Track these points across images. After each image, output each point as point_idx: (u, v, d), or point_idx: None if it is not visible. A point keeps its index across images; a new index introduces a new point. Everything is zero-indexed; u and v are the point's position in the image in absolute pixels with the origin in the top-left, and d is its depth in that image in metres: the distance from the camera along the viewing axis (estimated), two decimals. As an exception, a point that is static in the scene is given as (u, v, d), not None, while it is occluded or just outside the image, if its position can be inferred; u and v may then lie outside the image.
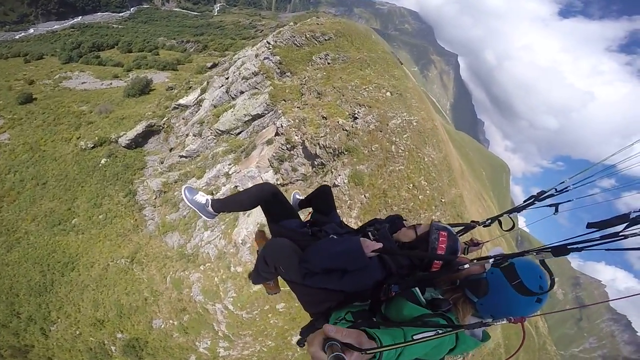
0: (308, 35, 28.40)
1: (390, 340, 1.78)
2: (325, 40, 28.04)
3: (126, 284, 21.91)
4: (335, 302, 2.94)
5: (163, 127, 33.56)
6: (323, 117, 20.82)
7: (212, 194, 21.94)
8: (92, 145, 30.11)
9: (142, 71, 48.64)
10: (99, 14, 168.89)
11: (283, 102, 24.27)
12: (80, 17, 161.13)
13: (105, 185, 27.24)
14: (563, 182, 2.95)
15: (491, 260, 2.30)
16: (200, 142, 27.40)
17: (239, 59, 35.93)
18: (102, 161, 29.02)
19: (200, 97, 32.89)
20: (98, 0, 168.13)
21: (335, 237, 3.22)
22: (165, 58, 56.75)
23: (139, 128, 31.67)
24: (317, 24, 30.66)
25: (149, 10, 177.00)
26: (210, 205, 3.87)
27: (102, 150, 29.79)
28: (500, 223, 3.36)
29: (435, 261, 2.71)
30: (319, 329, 1.80)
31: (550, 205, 3.01)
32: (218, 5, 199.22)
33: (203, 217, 3.99)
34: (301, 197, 4.64)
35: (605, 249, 1.83)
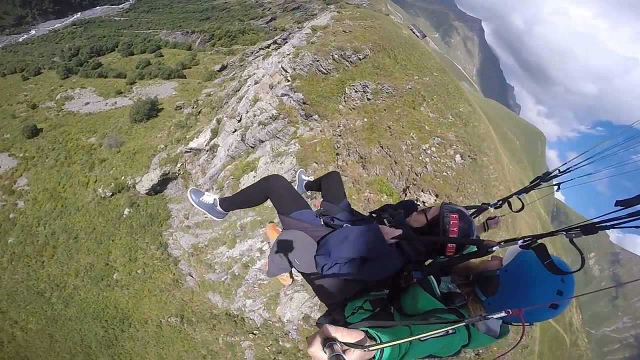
0: (336, 56, 23.17)
1: (392, 338, 1.73)
2: (360, 59, 22.87)
3: (183, 343, 22.99)
4: (352, 292, 2.91)
5: (179, 174, 31.11)
6: (368, 201, 16.64)
7: (248, 266, 20.44)
8: (111, 193, 30.27)
9: (146, 82, 45.00)
10: (98, 8, 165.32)
11: (315, 165, 19.85)
12: (79, 13, 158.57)
13: (135, 238, 27.59)
14: (565, 163, 3.08)
15: (520, 242, 2.22)
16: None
17: (249, 76, 32.17)
18: (125, 211, 29.13)
19: (212, 142, 29.11)
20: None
21: (350, 225, 3.28)
22: (170, 63, 52.68)
23: (154, 176, 29.82)
24: (345, 31, 25.60)
25: None
26: (218, 205, 3.87)
27: (122, 197, 29.98)
28: (509, 204, 3.32)
29: (449, 245, 2.73)
30: (335, 319, 2.52)
31: (554, 185, 3.18)
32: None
33: (213, 218, 3.93)
34: (308, 178, 4.85)
35: (635, 227, 1.80)
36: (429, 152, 17.18)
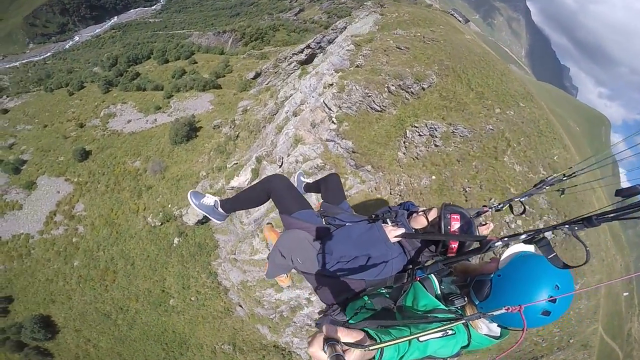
0: (393, 87, 18.92)
1: (391, 338, 1.75)
2: (423, 89, 18.62)
3: (236, 370, 23.80)
4: (354, 291, 2.91)
5: None
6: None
7: (295, 310, 19.71)
8: (160, 222, 31.71)
9: (182, 96, 45.83)
10: (132, 10, 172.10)
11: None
12: (116, 17, 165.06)
13: (186, 267, 28.85)
14: (571, 167, 3.19)
15: (523, 236, 2.17)
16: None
17: (286, 98, 30.71)
18: (175, 241, 30.32)
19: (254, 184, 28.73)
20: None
21: (352, 225, 3.27)
22: (204, 71, 53.30)
23: (199, 213, 29.80)
24: (399, 47, 21.68)
25: None
26: (219, 207, 3.91)
27: (171, 227, 31.29)
28: (511, 208, 3.26)
29: (451, 243, 2.75)
30: (336, 320, 2.57)
31: (557, 190, 3.16)
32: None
33: (214, 220, 3.98)
34: (307, 180, 5.04)
35: (637, 217, 1.78)
36: (513, 226, 13.62)
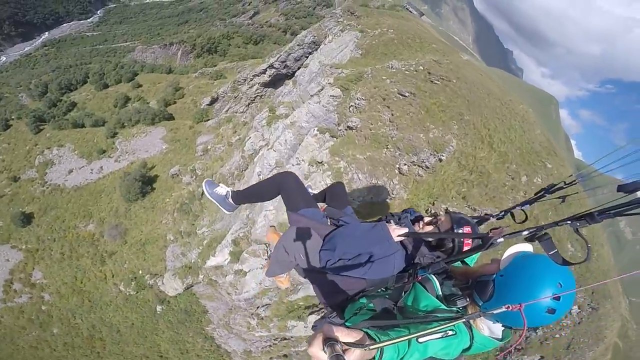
0: (405, 167, 13.87)
1: (391, 338, 1.72)
2: (440, 160, 13.72)
3: None
4: (355, 291, 2.87)
5: (205, 281, 25.72)
6: None
7: None
8: (135, 291, 28.00)
9: (128, 133, 37.83)
10: (65, 25, 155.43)
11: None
12: (47, 33, 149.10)
13: (178, 332, 25.92)
14: (571, 175, 2.89)
15: (525, 232, 2.15)
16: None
17: (254, 151, 25.71)
18: (158, 309, 26.99)
19: (236, 267, 23.31)
20: (56, 12, 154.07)
21: (356, 224, 3.31)
22: (150, 96, 45.22)
23: (177, 286, 26.46)
24: (401, 94, 16.26)
25: (118, 8, 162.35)
26: (230, 197, 3.91)
27: (149, 294, 27.49)
28: (513, 216, 3.15)
29: (466, 244, 2.75)
30: (333, 322, 2.55)
31: (558, 197, 2.94)
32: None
33: (223, 210, 3.92)
34: (312, 191, 4.79)
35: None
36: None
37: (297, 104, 26.56)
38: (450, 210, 4.40)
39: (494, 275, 2.28)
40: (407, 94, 16.39)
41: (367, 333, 1.67)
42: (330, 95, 19.13)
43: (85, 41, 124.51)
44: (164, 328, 26.28)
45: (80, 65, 67.92)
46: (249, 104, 37.34)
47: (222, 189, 3.95)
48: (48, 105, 52.40)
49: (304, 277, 3.36)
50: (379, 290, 2.83)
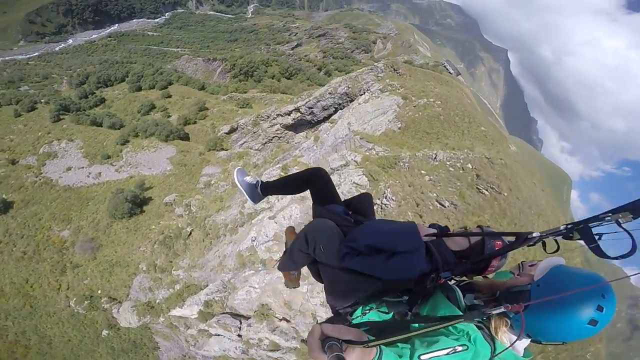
0: None
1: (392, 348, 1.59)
2: None
3: None
4: (369, 291, 2.50)
5: (165, 323, 23.13)
6: None
7: None
8: (85, 310, 25.07)
9: (139, 144, 34.19)
10: (134, 20, 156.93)
11: None
12: (117, 25, 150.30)
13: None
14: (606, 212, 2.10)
15: (562, 227, 1.89)
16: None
17: (256, 216, 21.72)
18: (104, 333, 24.59)
19: (202, 326, 19.59)
20: (132, 7, 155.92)
21: (383, 220, 3.07)
22: (175, 109, 41.71)
23: (132, 321, 23.67)
24: (441, 205, 12.90)
25: (184, 14, 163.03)
26: (259, 187, 3.61)
27: (99, 316, 24.72)
28: (544, 245, 2.35)
29: (493, 261, 2.39)
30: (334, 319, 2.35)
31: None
32: (251, 6, 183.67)
33: (250, 200, 3.62)
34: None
35: None
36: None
37: (318, 164, 22.27)
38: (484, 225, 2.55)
39: (529, 285, 1.96)
40: (446, 204, 11.96)
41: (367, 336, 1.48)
42: (354, 183, 14.97)
43: (144, 39, 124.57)
44: (104, 353, 23.97)
45: (126, 63, 65.44)
46: (265, 142, 33.18)
47: (252, 178, 3.57)
48: (80, 96, 49.75)
49: (316, 275, 2.89)
50: (395, 296, 2.47)
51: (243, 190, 3.60)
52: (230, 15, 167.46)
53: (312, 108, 31.11)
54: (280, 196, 22.44)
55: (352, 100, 30.77)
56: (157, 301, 23.26)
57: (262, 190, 3.60)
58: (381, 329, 1.84)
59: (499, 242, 2.42)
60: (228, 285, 22.20)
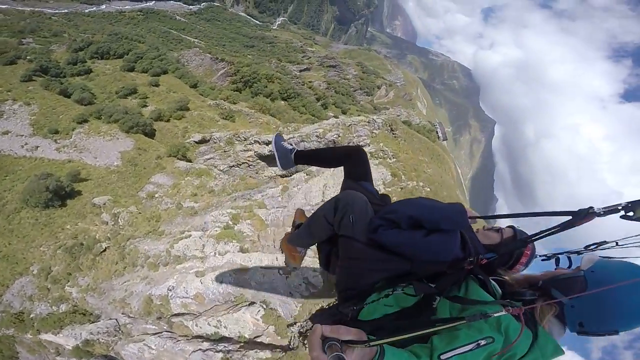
0: None
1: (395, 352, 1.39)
2: None
3: None
4: (394, 272, 2.14)
5: (32, 338, 18.18)
6: None
7: None
8: None
9: (97, 127, 28.62)
10: (171, 1, 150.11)
11: None
12: (153, 1, 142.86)
13: None
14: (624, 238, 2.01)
15: (622, 203, 1.62)
16: None
17: (183, 257, 17.67)
18: None
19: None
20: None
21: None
22: (155, 101, 35.96)
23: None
24: None
25: (217, 9, 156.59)
26: (293, 154, 3.38)
27: None
28: (557, 261, 2.26)
29: (526, 250, 2.24)
30: (340, 313, 2.03)
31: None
32: (280, 19, 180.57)
33: (278, 164, 3.44)
34: None
35: None
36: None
37: (273, 231, 17.67)
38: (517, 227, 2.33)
39: (582, 272, 1.75)
40: None
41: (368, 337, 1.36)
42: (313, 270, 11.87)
43: (169, 22, 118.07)
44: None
45: (135, 41, 59.68)
46: (233, 166, 28.27)
47: (289, 146, 3.39)
48: (69, 61, 43.92)
49: (325, 259, 2.62)
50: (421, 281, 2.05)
51: (275, 153, 3.38)
52: (257, 22, 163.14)
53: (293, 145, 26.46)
54: (217, 250, 17.87)
55: None
56: (31, 316, 17.76)
57: (296, 158, 3.33)
58: (393, 327, 1.66)
59: (529, 245, 2.18)
60: (122, 330, 17.30)
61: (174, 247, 18.44)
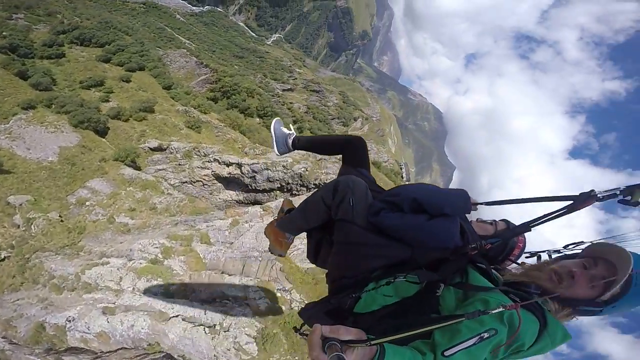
0: None
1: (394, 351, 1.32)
2: None
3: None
4: (393, 260, 1.99)
5: None
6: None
7: None
8: None
9: (43, 116, 25.09)
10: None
11: None
12: None
13: None
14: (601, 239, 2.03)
15: (621, 187, 1.57)
16: None
17: (95, 285, 14.62)
18: None
19: None
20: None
21: None
22: (120, 99, 32.54)
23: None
24: None
25: (219, 14, 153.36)
26: (291, 139, 3.21)
27: None
28: (539, 258, 2.15)
29: (519, 241, 2.20)
30: (330, 303, 1.94)
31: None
32: (275, 36, 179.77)
33: (275, 147, 3.32)
34: None
35: None
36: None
37: (209, 276, 15.09)
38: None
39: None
40: None
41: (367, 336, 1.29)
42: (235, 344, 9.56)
43: (168, 19, 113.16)
44: None
45: (122, 32, 55.76)
46: (185, 182, 25.56)
47: (287, 131, 3.22)
48: (45, 43, 39.89)
49: (314, 249, 2.47)
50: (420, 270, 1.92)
51: (274, 136, 3.26)
52: (253, 34, 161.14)
53: (256, 173, 24.19)
54: (136, 287, 15.07)
55: (303, 186, 24.26)
56: None
57: (294, 143, 3.19)
58: (393, 324, 1.59)
59: (522, 238, 2.17)
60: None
61: (86, 272, 15.51)
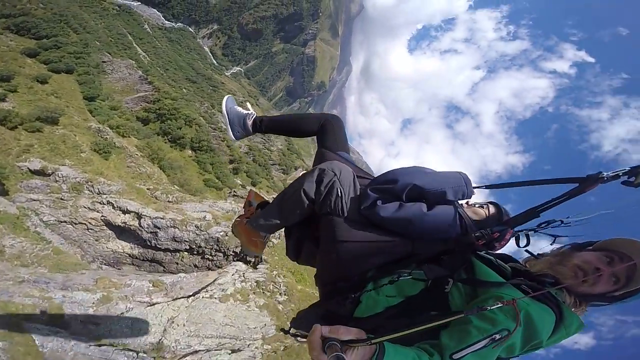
0: None
1: (394, 350, 1.22)
2: None
3: None
4: (393, 256, 1.71)
5: None
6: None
7: None
8: None
9: None
10: (153, 10, 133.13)
11: None
12: (138, 2, 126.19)
13: None
14: (568, 217, 1.82)
15: (625, 170, 1.50)
16: None
17: None
18: None
19: None
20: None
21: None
22: (21, 103, 27.25)
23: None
24: None
25: (187, 34, 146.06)
26: (250, 120, 2.46)
27: None
28: (517, 240, 1.88)
29: (507, 234, 1.80)
30: (326, 309, 1.68)
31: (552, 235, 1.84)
32: (236, 69, 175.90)
33: (229, 132, 2.48)
34: None
35: None
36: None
37: None
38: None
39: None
40: None
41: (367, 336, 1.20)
42: None
43: (134, 27, 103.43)
44: None
45: (72, 28, 48.71)
46: (64, 222, 19.91)
47: (244, 110, 2.48)
48: None
49: (294, 247, 2.11)
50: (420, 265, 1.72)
51: (227, 118, 2.49)
52: (214, 62, 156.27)
53: (158, 229, 19.57)
54: None
55: (220, 251, 19.98)
56: None
57: (255, 125, 2.46)
58: (395, 324, 1.43)
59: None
60: None
61: None
